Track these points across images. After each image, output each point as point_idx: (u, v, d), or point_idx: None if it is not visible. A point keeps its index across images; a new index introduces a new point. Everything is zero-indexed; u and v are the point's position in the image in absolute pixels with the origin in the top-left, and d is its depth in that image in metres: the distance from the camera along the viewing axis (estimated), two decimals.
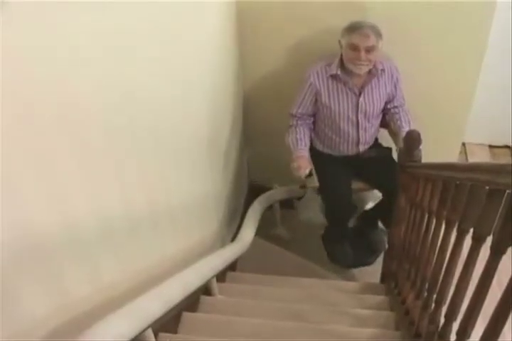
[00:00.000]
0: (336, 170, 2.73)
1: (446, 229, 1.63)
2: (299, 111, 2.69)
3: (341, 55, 2.53)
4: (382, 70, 2.58)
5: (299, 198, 3.28)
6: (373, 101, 2.65)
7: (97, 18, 1.20)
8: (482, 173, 1.26)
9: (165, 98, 1.74)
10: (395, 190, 2.45)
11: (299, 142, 2.66)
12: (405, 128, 2.67)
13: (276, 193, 3.24)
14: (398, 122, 2.71)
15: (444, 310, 1.58)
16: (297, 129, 2.70)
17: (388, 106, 2.72)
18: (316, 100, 2.64)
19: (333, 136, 2.72)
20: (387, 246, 2.71)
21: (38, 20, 0.96)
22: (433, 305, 1.70)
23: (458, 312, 1.47)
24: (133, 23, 1.41)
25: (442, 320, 1.58)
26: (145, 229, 1.66)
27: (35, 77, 0.99)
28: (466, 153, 4.08)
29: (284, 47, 2.83)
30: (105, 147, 1.33)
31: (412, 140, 2.14)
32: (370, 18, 2.48)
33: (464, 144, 4.01)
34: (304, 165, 2.56)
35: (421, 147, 2.18)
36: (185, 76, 1.95)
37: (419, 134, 2.12)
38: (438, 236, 1.74)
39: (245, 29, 2.79)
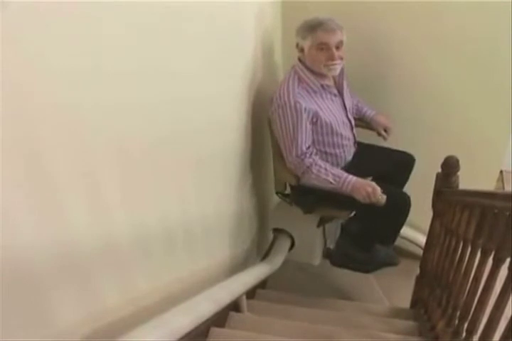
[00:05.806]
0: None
1: (481, 257, 1.61)
2: (306, 144, 2.25)
3: (302, 64, 2.28)
4: None
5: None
6: (349, 95, 2.52)
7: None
8: None
9: (208, 110, 1.79)
10: (397, 164, 2.50)
11: (336, 171, 2.24)
12: (365, 109, 2.65)
13: None
14: (355, 107, 2.65)
15: (475, 338, 1.57)
16: (320, 164, 2.25)
17: None
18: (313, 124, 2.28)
19: (337, 150, 2.41)
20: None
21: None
22: (464, 333, 1.68)
23: None
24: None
25: None
26: (179, 241, 1.68)
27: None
28: (502, 180, 4.03)
29: None
30: (146, 162, 1.36)
31: (451, 166, 2.12)
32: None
33: (500, 171, 3.96)
34: (372, 185, 2.17)
35: (458, 173, 2.16)
36: (231, 92, 2.02)
37: (457, 160, 2.10)
38: (472, 264, 1.72)
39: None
